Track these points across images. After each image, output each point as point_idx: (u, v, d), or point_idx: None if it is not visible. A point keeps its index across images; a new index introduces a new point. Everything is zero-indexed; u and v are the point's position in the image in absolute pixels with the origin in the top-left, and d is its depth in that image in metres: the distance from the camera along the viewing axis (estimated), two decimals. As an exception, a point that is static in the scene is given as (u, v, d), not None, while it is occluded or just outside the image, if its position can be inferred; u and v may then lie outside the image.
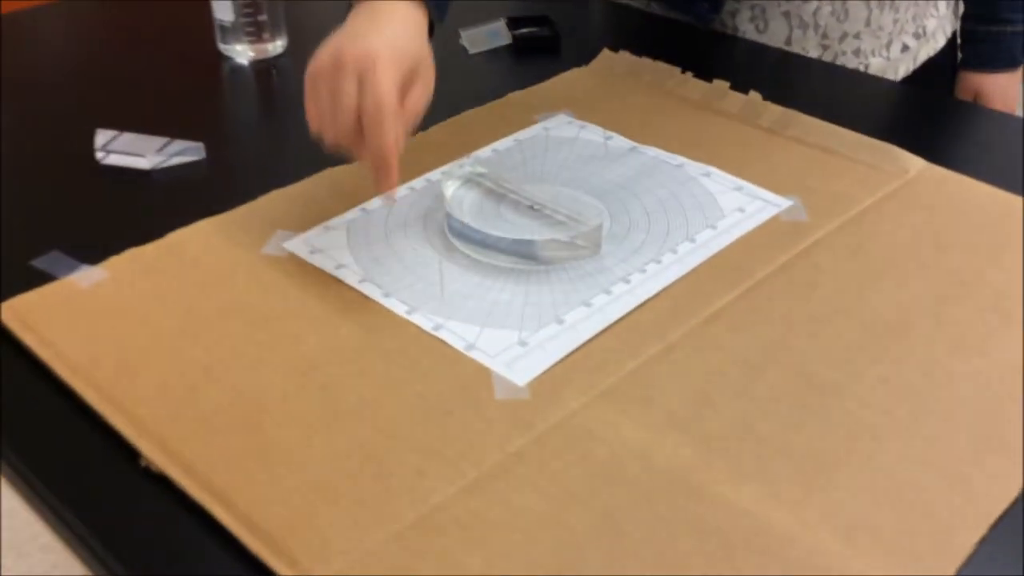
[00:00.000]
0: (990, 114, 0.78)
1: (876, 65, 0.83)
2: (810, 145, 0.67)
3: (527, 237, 0.55)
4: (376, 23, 0.53)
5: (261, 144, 0.71)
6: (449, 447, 0.43)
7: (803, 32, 0.82)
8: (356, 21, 0.54)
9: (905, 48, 0.83)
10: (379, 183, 0.52)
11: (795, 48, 0.82)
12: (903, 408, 0.45)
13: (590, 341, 0.49)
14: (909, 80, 0.84)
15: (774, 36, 0.82)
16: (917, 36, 0.84)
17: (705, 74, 0.75)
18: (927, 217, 0.59)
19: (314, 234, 0.58)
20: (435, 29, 0.59)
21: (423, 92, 0.54)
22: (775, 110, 0.70)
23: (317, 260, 0.55)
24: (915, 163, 0.64)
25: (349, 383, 0.47)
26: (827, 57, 0.82)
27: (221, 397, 0.46)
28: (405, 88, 0.53)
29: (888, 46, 0.83)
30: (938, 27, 0.85)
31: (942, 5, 0.84)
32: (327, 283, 0.54)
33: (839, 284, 0.53)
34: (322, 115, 0.52)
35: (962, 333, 0.50)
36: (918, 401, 0.46)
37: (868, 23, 0.81)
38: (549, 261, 0.55)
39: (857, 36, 0.81)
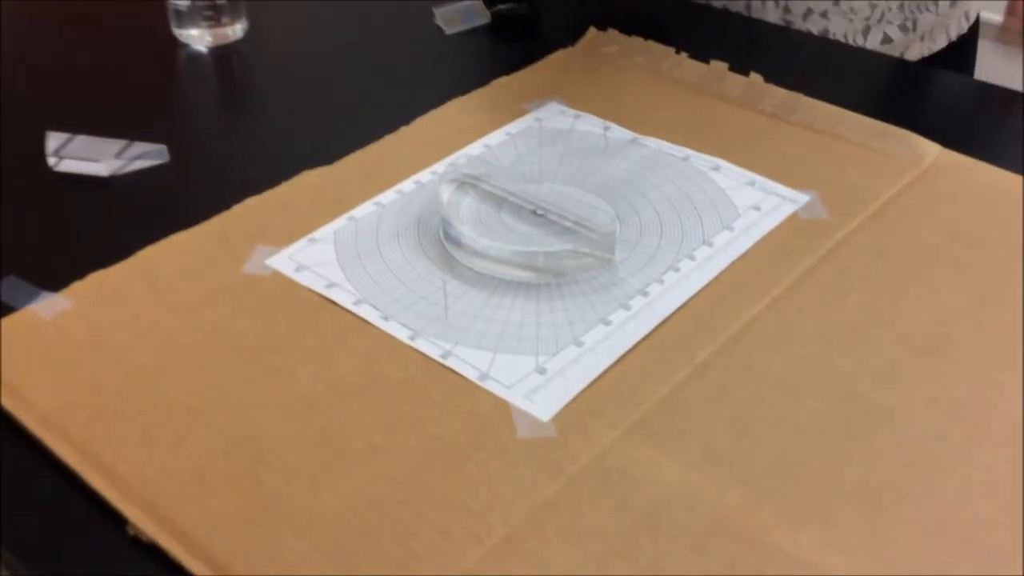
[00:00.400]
0: (998, 92, 0.75)
1: None
2: (817, 131, 0.63)
3: (535, 248, 0.51)
4: None
5: (228, 143, 0.65)
6: (473, 498, 0.39)
7: (762, 3, 0.77)
8: None
9: (887, 40, 0.78)
10: None
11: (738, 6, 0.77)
12: (957, 432, 0.42)
13: (613, 365, 0.46)
14: None
15: (731, 6, 0.78)
16: (904, 29, 0.79)
17: (695, 50, 0.70)
18: (950, 210, 0.56)
19: (298, 248, 0.53)
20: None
21: None
22: (778, 93, 0.66)
23: (305, 279, 0.51)
24: (930, 149, 0.61)
25: (355, 425, 0.42)
26: None
27: (212, 446, 0.41)
28: None
29: (865, 33, 0.78)
30: (938, 25, 0.80)
31: (944, 4, 0.80)
32: (319, 306, 0.49)
33: (870, 291, 0.50)
34: None
35: (1007, 341, 0.47)
36: (972, 423, 0.43)
37: (838, 1, 0.76)
38: (560, 273, 0.51)
39: (824, 15, 0.77)
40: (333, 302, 0.49)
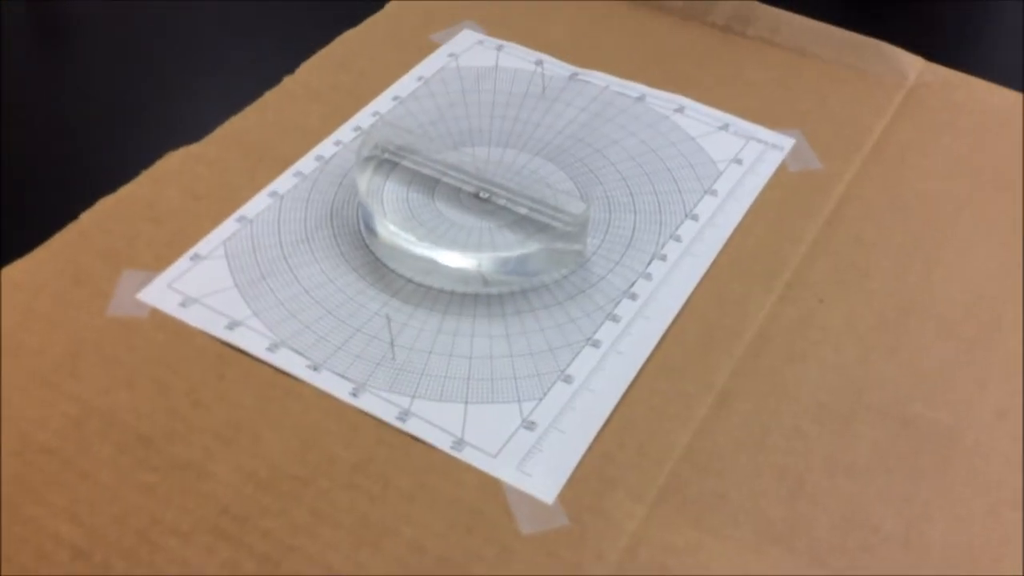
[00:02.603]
0: None
1: None
2: (781, 47, 0.54)
3: (489, 253, 0.40)
4: None
5: (48, 114, 0.50)
6: (483, 637, 0.30)
7: None
8: None
9: None
10: None
11: None
12: (1035, 454, 0.35)
13: (617, 405, 0.36)
14: None
15: None
16: None
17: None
18: (955, 143, 0.48)
19: (180, 270, 0.40)
20: None
21: None
22: (727, 3, 0.56)
23: (197, 318, 0.38)
24: (912, 64, 0.52)
25: (302, 541, 0.32)
26: None
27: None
28: None
29: None
30: None
31: None
32: (221, 358, 0.37)
33: (894, 265, 0.42)
34: None
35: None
36: (1049, 439, 0.36)
37: None
38: (528, 274, 0.41)
39: None
40: (241, 351, 0.37)
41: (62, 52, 0.54)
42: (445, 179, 0.43)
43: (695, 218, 0.44)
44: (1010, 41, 0.57)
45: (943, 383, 0.37)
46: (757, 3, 0.56)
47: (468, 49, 0.53)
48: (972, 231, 0.43)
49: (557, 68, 0.52)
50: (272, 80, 0.50)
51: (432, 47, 0.53)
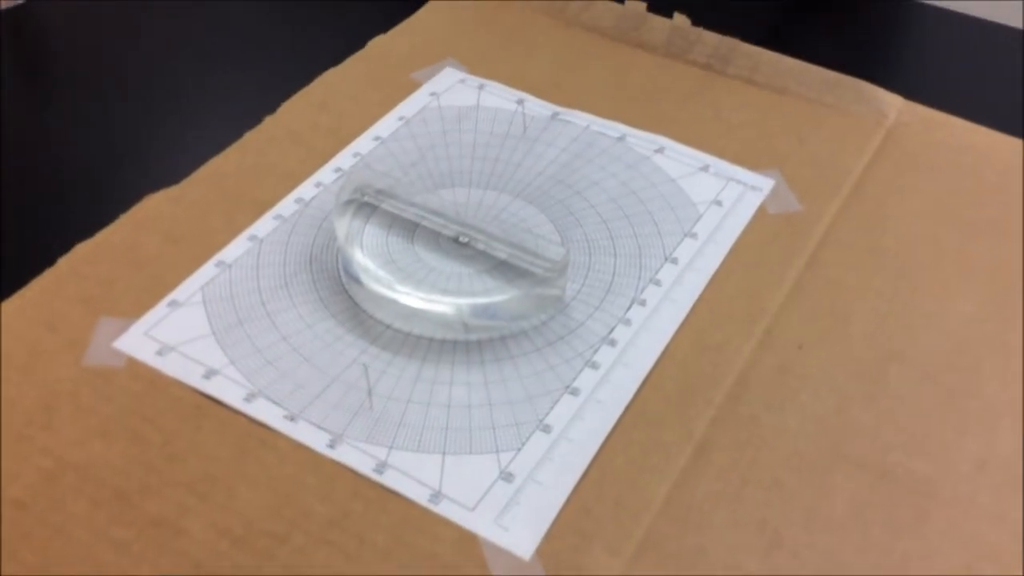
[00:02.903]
0: (940, 15, 0.67)
1: None
2: (761, 86, 0.54)
3: (468, 299, 0.40)
4: None
5: (23, 153, 0.50)
6: None
7: None
8: None
9: None
10: None
11: None
12: (1015, 509, 0.35)
13: (596, 456, 0.36)
14: None
15: None
16: None
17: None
18: (934, 184, 0.48)
19: (157, 317, 0.40)
20: None
21: None
22: (709, 39, 0.56)
23: (173, 367, 0.38)
24: (892, 103, 0.53)
25: (278, 599, 0.32)
26: None
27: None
28: None
29: None
30: None
31: None
32: (198, 409, 0.37)
33: (873, 310, 0.42)
34: None
35: (1035, 366, 0.40)
36: (1027, 489, 0.36)
37: None
38: (507, 319, 0.41)
39: None
40: (217, 401, 0.37)
41: (37, 93, 0.54)
42: (425, 223, 0.43)
43: (675, 261, 0.44)
44: (990, 80, 0.57)
45: (922, 432, 0.37)
46: (738, 41, 0.56)
47: (450, 88, 0.53)
48: (952, 275, 0.44)
49: (538, 107, 0.52)
50: (253, 121, 0.50)
51: (414, 86, 0.53)
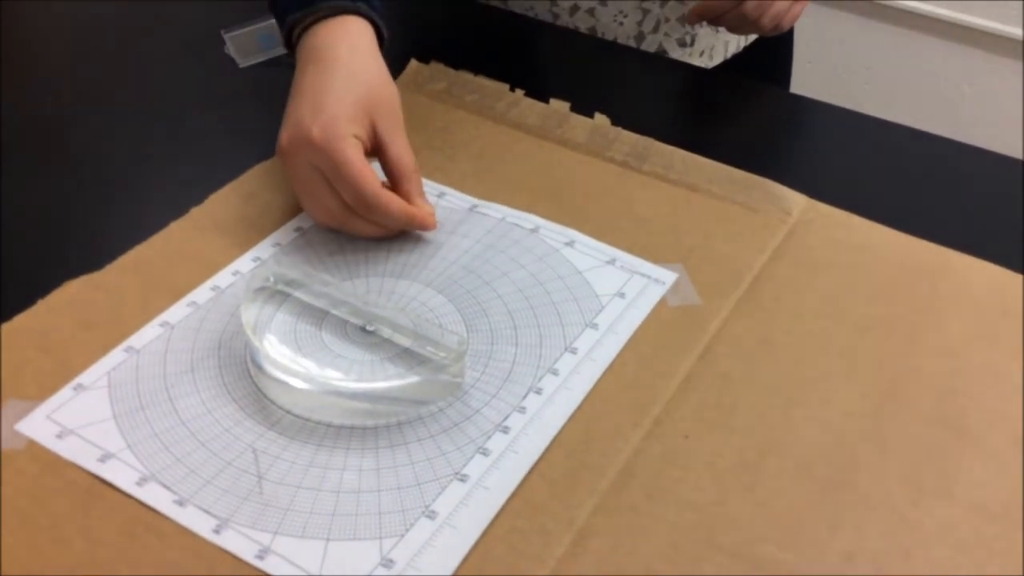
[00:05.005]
0: (828, 110, 0.69)
1: None
2: (673, 183, 0.56)
3: (369, 384, 0.42)
4: (325, 79, 0.49)
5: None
6: None
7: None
8: (305, 80, 0.50)
9: (663, 53, 0.72)
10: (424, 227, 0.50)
11: (519, 6, 0.72)
12: (879, 598, 0.36)
13: (477, 542, 0.37)
14: None
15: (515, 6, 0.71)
16: (682, 44, 0.73)
17: (524, 67, 0.62)
18: (829, 282, 0.50)
19: (60, 401, 0.41)
20: (384, 40, 0.54)
21: (395, 126, 0.50)
22: (627, 138, 0.59)
23: (70, 450, 0.39)
24: (796, 201, 0.55)
25: None
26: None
27: None
28: (380, 135, 0.50)
29: (638, 40, 0.71)
30: (718, 42, 0.75)
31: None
32: (90, 492, 0.38)
33: (758, 403, 0.43)
34: (305, 199, 0.50)
35: (914, 463, 0.41)
36: (893, 581, 0.37)
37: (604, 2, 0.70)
38: (399, 410, 0.42)
39: (592, 13, 0.70)
40: (109, 484, 0.38)
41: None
42: (334, 312, 0.45)
43: (574, 351, 0.45)
44: (894, 177, 0.60)
45: (794, 524, 0.38)
46: (654, 141, 0.59)
47: (373, 180, 0.55)
48: (837, 370, 0.45)
49: (458, 200, 0.54)
50: (178, 210, 0.51)
51: (339, 178, 0.55)
